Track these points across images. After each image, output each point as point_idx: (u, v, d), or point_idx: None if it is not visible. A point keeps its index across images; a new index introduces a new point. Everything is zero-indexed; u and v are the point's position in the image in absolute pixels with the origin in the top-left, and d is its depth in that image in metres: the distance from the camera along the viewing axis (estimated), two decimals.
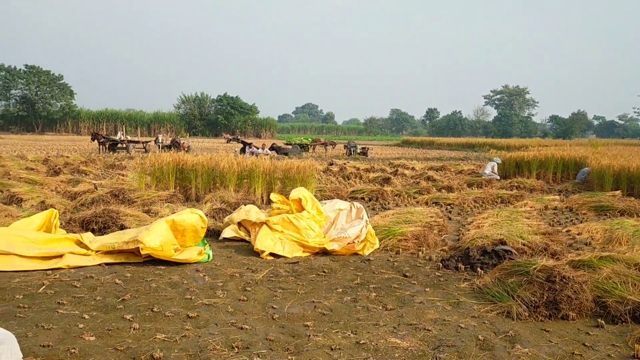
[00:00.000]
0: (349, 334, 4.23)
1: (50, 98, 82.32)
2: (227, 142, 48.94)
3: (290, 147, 35.69)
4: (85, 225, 7.72)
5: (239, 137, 50.67)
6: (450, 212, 11.28)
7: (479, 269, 6.19)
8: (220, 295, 5.15)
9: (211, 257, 6.64)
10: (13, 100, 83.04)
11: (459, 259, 6.57)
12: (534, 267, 5.11)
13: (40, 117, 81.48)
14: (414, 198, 12.80)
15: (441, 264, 6.53)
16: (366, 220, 7.49)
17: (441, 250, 7.33)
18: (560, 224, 9.93)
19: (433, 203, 12.21)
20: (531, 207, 11.55)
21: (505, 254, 6.40)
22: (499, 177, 17.98)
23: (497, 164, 18.80)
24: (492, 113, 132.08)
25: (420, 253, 7.16)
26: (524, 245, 7.00)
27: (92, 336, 4.00)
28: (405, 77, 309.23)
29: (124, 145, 31.66)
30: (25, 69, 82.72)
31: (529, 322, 4.67)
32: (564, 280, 4.86)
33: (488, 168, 18.39)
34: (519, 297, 4.91)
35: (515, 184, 15.75)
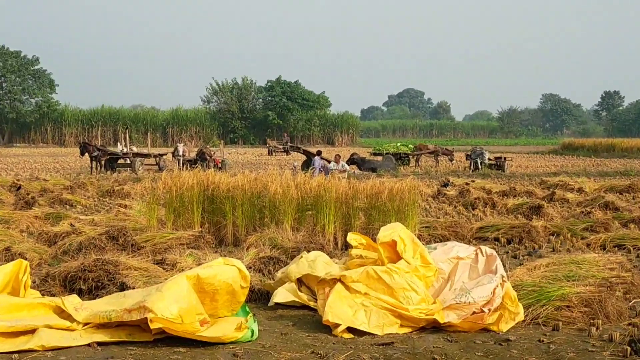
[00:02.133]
0: None
1: (21, 92, 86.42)
2: (270, 154, 50.43)
3: (380, 158, 35.63)
4: (69, 284, 7.88)
5: (288, 143, 51.92)
6: None
7: None
8: None
9: (256, 334, 6.67)
10: None
11: None
12: None
13: (6, 120, 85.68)
14: (583, 238, 12.57)
15: (629, 348, 6.29)
16: (502, 276, 7.37)
17: (629, 324, 7.13)
18: None
19: (615, 247, 11.93)
20: None
21: None
22: None
23: None
24: None
25: (593, 329, 6.97)
26: None
27: None
28: (565, 47, 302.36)
29: (128, 161, 32.56)
30: None
31: None
32: None
33: None
34: None
35: None
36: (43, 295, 7.53)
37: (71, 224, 12.73)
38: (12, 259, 8.23)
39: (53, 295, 7.61)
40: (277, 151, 52.12)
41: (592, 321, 7.14)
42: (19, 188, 20.10)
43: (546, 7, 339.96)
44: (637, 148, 57.48)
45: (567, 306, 7.34)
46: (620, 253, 11.06)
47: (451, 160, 38.73)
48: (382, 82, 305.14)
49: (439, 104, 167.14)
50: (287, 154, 50.75)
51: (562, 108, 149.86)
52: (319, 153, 29.41)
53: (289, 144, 53.33)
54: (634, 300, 8.10)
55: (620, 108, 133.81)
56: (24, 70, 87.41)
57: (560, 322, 7.12)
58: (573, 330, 7.01)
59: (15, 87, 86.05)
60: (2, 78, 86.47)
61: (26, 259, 8.70)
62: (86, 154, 32.70)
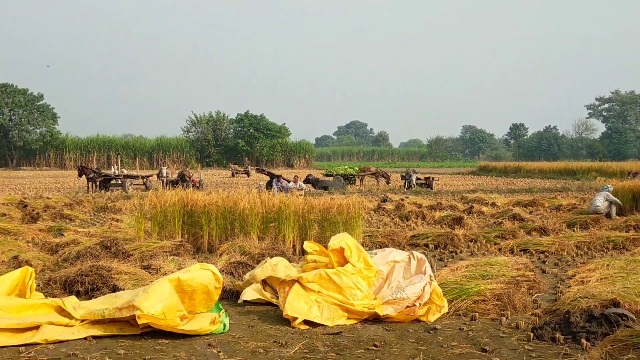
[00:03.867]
0: None
1: (28, 123, 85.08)
2: (232, 176, 51.18)
3: (331, 178, 35.86)
4: (69, 287, 7.92)
5: (249, 167, 52.98)
6: (544, 262, 11.20)
7: (583, 340, 6.02)
8: None
9: (227, 327, 6.69)
10: None
11: (557, 326, 6.41)
12: None
13: (15, 147, 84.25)
14: (495, 244, 12.84)
15: (532, 334, 6.41)
16: (430, 276, 7.52)
17: (532, 314, 7.29)
18: None
19: (521, 251, 12.18)
20: None
21: (619, 319, 6.20)
22: (613, 214, 17.42)
23: (610, 192, 18.07)
24: (599, 128, 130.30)
25: (503, 319, 7.11)
26: None
27: None
28: (481, 86, 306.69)
29: (120, 181, 32.40)
30: None
31: None
32: None
33: (599, 200, 17.66)
34: None
35: (633, 224, 15.33)
36: (46, 296, 7.47)
37: (61, 232, 12.79)
38: (20, 266, 8.17)
39: (55, 296, 7.56)
40: (239, 173, 53.06)
41: (502, 312, 7.29)
42: (26, 205, 19.76)
43: (464, 50, 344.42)
44: (538, 170, 59.13)
45: (483, 300, 7.49)
46: (525, 256, 11.34)
47: (388, 182, 38.84)
48: (332, 114, 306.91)
49: (379, 133, 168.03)
50: (247, 176, 51.26)
51: (479, 137, 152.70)
52: (278, 177, 29.27)
53: (250, 167, 54.53)
54: (536, 295, 8.31)
55: (525, 137, 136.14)
56: (30, 105, 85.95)
57: (477, 313, 7.26)
58: (487, 320, 7.14)
59: (22, 120, 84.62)
60: (12, 112, 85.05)
61: (32, 265, 8.68)
62: (83, 176, 32.43)
